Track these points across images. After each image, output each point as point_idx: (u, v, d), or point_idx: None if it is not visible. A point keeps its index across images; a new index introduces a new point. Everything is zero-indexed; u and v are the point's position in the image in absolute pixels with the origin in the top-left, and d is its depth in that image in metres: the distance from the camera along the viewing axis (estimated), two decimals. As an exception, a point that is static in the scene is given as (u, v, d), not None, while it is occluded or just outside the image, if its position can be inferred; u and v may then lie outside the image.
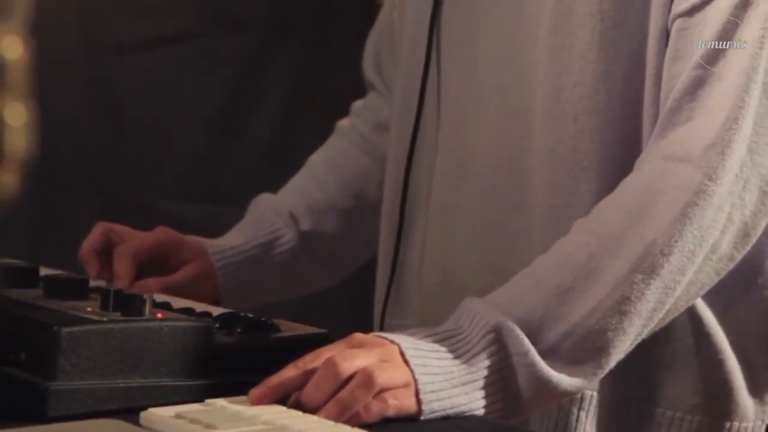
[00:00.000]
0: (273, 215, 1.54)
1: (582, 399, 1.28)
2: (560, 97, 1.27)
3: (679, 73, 1.20)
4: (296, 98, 2.34)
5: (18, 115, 0.52)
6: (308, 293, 1.59)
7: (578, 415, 1.27)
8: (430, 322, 1.37)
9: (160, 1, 2.29)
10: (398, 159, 1.44)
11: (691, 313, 1.27)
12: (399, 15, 1.50)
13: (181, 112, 2.30)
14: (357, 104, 1.67)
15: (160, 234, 1.45)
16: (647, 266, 1.14)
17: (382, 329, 1.41)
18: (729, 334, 1.29)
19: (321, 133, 2.34)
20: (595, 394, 1.28)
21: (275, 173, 2.33)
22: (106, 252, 1.43)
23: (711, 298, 1.27)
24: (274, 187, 2.29)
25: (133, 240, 1.42)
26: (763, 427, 1.32)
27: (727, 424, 1.29)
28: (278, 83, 2.32)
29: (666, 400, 1.29)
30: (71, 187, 2.30)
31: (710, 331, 1.28)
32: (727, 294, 1.27)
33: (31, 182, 1.96)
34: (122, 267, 1.38)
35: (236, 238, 1.52)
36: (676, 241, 1.14)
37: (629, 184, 1.20)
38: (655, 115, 1.23)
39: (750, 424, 1.30)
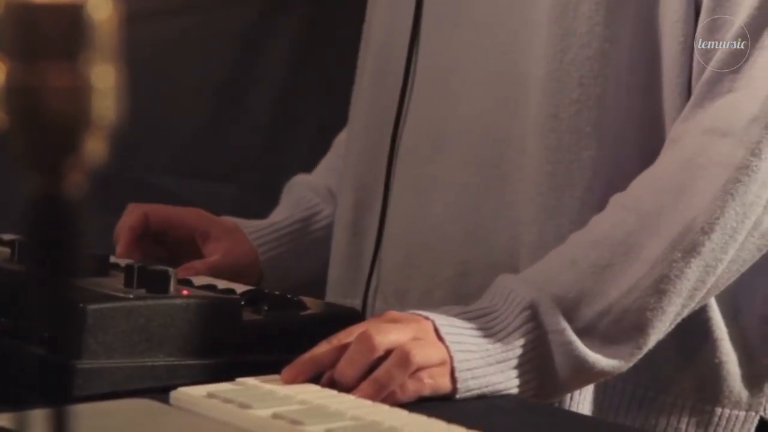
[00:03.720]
0: (309, 192, 1.50)
1: None
2: (564, 59, 1.23)
3: (719, 41, 1.17)
4: (296, 73, 2.31)
5: (107, 77, 0.49)
6: None
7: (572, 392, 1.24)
8: (392, 299, 1.34)
9: (158, -26, 2.26)
10: (377, 129, 1.37)
11: None
12: None
13: (178, 88, 2.26)
14: None
15: (169, 209, 1.42)
16: (687, 244, 1.12)
17: (363, 312, 1.38)
18: (728, 319, 1.26)
19: (321, 110, 2.31)
20: None
21: (275, 149, 2.31)
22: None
23: None
24: (273, 163, 2.26)
25: (137, 211, 1.39)
26: (757, 419, 1.29)
27: (719, 411, 1.25)
28: (278, 58, 2.29)
29: (658, 382, 1.26)
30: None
31: (711, 316, 1.25)
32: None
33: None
34: (120, 237, 1.36)
35: (273, 218, 1.48)
36: (717, 219, 1.12)
37: (667, 159, 1.17)
38: (682, 84, 1.20)
39: (742, 413, 1.26)
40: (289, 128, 2.31)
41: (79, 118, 0.49)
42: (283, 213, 1.48)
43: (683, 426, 1.25)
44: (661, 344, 1.23)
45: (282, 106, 2.30)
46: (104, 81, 0.49)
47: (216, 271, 1.34)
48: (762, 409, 1.28)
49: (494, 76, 1.28)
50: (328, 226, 1.48)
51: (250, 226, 1.45)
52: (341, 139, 1.58)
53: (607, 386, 1.25)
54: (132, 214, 1.39)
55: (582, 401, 1.24)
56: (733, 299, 1.26)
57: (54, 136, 0.49)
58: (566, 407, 1.23)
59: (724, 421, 1.25)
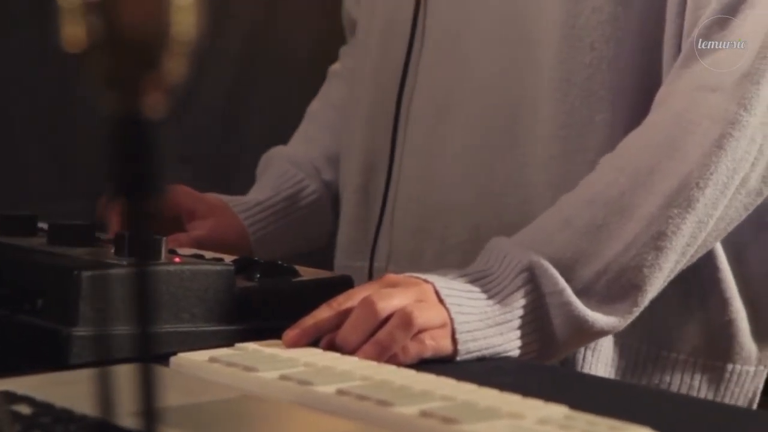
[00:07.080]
0: (293, 167, 1.49)
1: None
2: (576, 23, 1.23)
3: (707, 2, 1.18)
4: (250, 56, 2.29)
5: (186, -7, 0.47)
6: (323, 245, 1.54)
7: (585, 354, 1.25)
8: (403, 262, 1.33)
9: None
10: (384, 92, 1.37)
11: (705, 254, 1.25)
12: None
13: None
14: (344, 48, 1.62)
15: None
16: (683, 200, 1.12)
17: (371, 274, 1.37)
18: (737, 276, 1.28)
19: (275, 92, 2.29)
20: None
21: (230, 132, 2.29)
22: None
23: (725, 239, 1.25)
24: (228, 146, 2.24)
25: None
26: (765, 372, 1.31)
27: (729, 367, 1.28)
28: (231, 41, 2.27)
29: (670, 341, 1.27)
30: (26, 148, 2.22)
31: (722, 274, 1.27)
32: (739, 236, 1.26)
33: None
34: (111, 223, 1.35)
35: (260, 194, 1.47)
36: (711, 174, 1.12)
37: (657, 117, 1.17)
38: (678, 46, 1.20)
39: (752, 369, 1.29)
40: (243, 111, 2.29)
41: (158, 35, 0.48)
42: (268, 190, 1.47)
43: (696, 383, 1.26)
44: (673, 304, 1.24)
45: (237, 89, 2.29)
46: (184, -4, 0.47)
47: (201, 246, 1.32)
48: None
49: (506, 40, 1.28)
50: (314, 203, 1.48)
51: (239, 204, 1.44)
52: (315, 108, 1.57)
53: (621, 345, 1.26)
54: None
55: (595, 361, 1.24)
56: (741, 257, 1.28)
57: (133, 53, 0.47)
58: (579, 368, 1.24)
59: (735, 377, 1.27)
